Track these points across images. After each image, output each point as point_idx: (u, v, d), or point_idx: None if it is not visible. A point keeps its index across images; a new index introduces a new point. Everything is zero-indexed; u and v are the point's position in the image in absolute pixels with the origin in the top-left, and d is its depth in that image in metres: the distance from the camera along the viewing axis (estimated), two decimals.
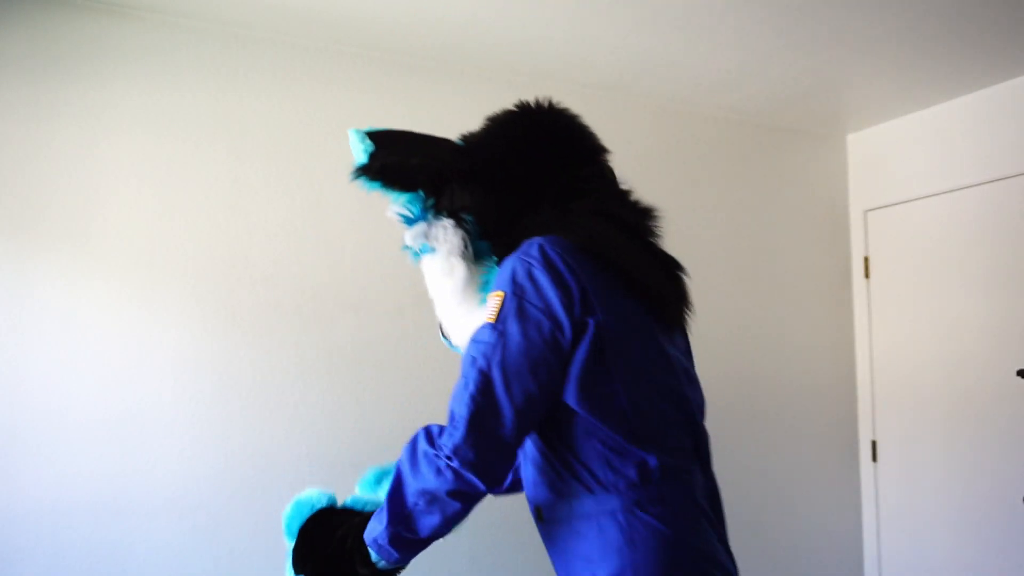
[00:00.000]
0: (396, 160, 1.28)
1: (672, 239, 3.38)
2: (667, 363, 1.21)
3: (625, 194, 1.37)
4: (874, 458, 3.49)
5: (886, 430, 3.45)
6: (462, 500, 1.12)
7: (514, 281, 1.13)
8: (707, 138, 3.28)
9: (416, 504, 1.13)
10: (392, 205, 1.34)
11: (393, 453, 2.71)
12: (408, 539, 1.15)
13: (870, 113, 3.34)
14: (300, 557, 1.21)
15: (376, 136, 1.31)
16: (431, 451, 1.12)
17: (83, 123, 2.24)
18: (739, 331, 3.28)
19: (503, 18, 2.39)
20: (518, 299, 1.11)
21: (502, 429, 1.09)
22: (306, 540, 1.21)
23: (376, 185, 1.30)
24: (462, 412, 1.09)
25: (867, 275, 3.55)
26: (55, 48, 2.22)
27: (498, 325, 1.11)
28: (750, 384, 3.29)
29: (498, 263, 1.25)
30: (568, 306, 1.10)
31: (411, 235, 1.31)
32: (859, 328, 3.58)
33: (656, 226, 1.35)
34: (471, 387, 1.10)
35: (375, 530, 1.17)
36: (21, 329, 2.13)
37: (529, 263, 1.13)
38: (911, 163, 3.34)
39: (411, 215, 1.32)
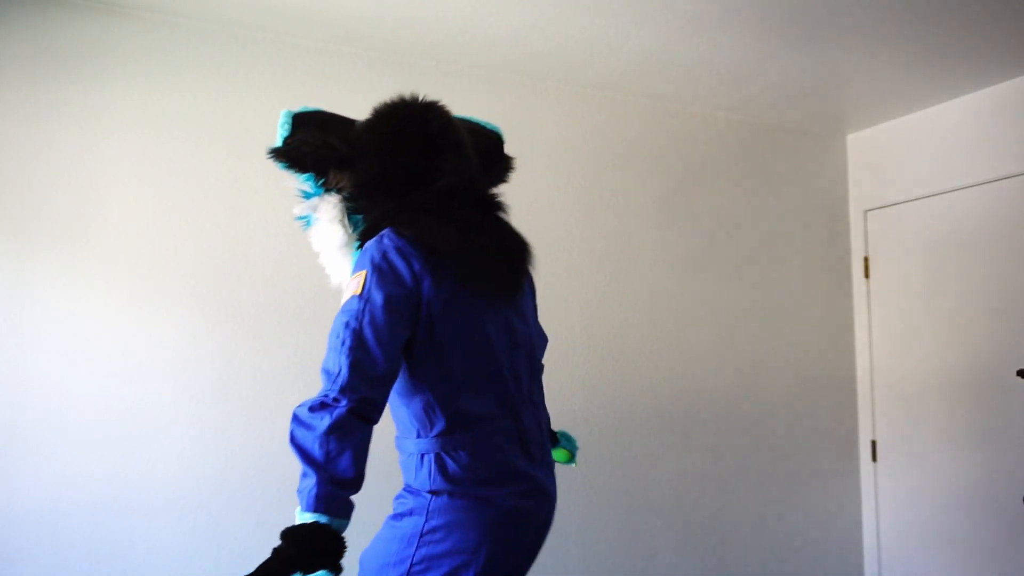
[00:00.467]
0: (295, 146, 1.53)
1: (671, 239, 3.40)
2: (484, 337, 1.47)
3: (468, 187, 1.55)
4: (874, 458, 3.49)
5: (886, 430, 3.45)
6: (360, 419, 1.32)
7: (372, 262, 1.40)
8: (707, 138, 3.28)
9: (327, 452, 1.28)
10: (295, 182, 1.60)
11: (392, 453, 2.72)
12: (339, 483, 1.30)
13: (870, 113, 3.34)
14: None
15: (297, 119, 1.58)
16: (316, 406, 1.31)
17: (83, 123, 2.24)
18: (739, 331, 3.28)
19: (503, 19, 2.39)
20: (378, 274, 1.38)
21: (377, 372, 1.34)
22: None
23: (283, 165, 1.55)
24: (343, 363, 1.32)
25: (867, 275, 3.55)
26: (55, 48, 2.22)
27: (364, 295, 1.37)
28: (750, 384, 3.29)
29: (360, 238, 1.52)
30: (413, 281, 1.40)
31: (300, 207, 1.60)
32: (859, 328, 3.58)
33: (492, 215, 1.59)
34: (348, 343, 1.34)
35: (308, 495, 1.28)
36: (21, 329, 2.13)
37: (384, 248, 1.41)
38: (911, 163, 3.34)
39: (309, 191, 1.59)
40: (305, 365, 2.46)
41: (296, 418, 1.32)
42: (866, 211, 3.56)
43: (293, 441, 1.31)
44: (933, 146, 3.24)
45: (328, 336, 1.38)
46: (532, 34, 2.50)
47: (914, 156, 3.33)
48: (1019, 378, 2.87)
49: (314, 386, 2.44)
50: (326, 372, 1.34)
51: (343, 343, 1.34)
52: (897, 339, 3.40)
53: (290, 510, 2.39)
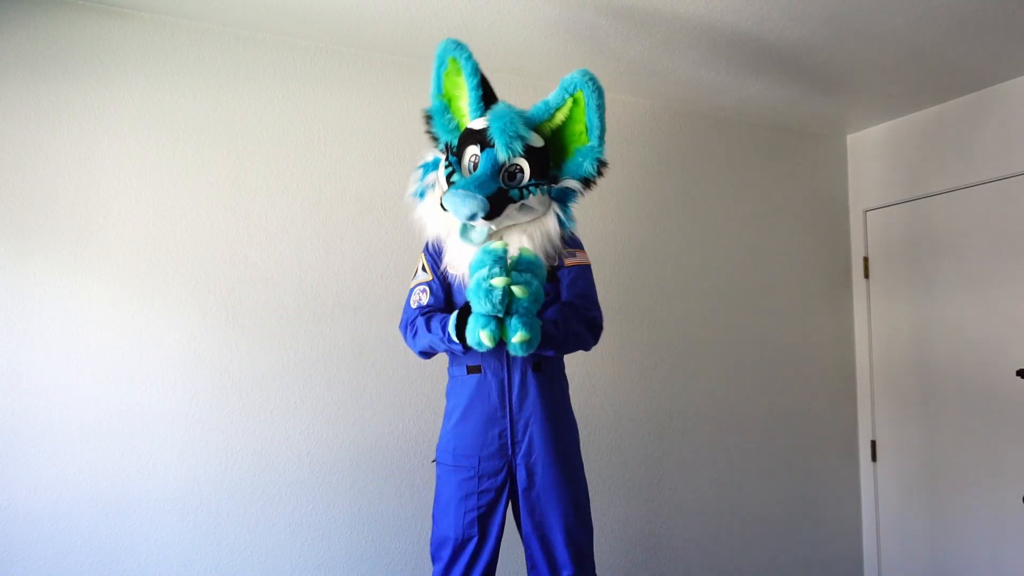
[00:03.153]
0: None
1: (672, 238, 3.40)
2: None
3: None
4: (874, 458, 3.49)
5: (886, 430, 3.45)
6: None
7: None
8: (707, 138, 3.28)
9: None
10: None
11: (392, 453, 2.71)
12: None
13: (870, 113, 3.34)
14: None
15: None
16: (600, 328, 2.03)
17: (83, 123, 2.24)
18: (739, 331, 3.29)
19: (502, 19, 2.39)
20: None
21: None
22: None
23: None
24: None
25: (867, 275, 3.55)
26: (55, 48, 2.22)
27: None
28: (750, 384, 3.29)
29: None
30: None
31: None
32: (859, 328, 3.58)
33: None
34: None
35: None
36: (21, 329, 2.14)
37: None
38: (911, 163, 3.34)
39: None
40: (305, 365, 2.46)
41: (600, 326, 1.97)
42: (866, 211, 3.56)
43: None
44: (933, 146, 3.24)
45: (587, 287, 1.96)
46: (532, 34, 2.50)
47: (914, 156, 3.33)
48: (1019, 378, 2.87)
49: (313, 386, 2.45)
50: (597, 313, 1.96)
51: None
52: (897, 339, 3.40)
53: (288, 510, 2.40)
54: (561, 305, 1.89)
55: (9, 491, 2.09)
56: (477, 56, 2.68)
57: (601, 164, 1.87)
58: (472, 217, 1.72)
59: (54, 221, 2.19)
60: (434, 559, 1.93)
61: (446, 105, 1.97)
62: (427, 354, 1.97)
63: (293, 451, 2.42)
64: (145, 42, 2.33)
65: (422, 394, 2.62)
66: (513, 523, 2.03)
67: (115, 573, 2.19)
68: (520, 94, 2.84)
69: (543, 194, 1.82)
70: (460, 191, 1.71)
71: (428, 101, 1.99)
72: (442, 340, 1.82)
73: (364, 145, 2.60)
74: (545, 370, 1.92)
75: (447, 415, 1.98)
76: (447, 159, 1.88)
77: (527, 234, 1.83)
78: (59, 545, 2.13)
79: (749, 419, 3.27)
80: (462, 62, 1.89)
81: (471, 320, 1.69)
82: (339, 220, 2.55)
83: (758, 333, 3.33)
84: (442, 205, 1.79)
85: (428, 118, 1.99)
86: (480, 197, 1.69)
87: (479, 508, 1.88)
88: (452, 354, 1.91)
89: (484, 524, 1.88)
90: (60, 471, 2.15)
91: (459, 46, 1.89)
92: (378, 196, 2.60)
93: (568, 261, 1.93)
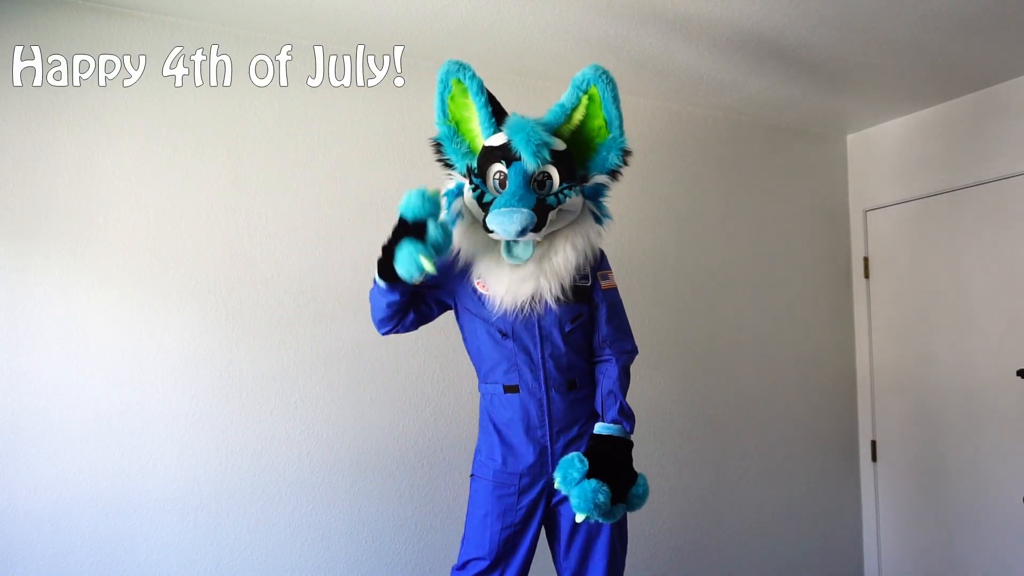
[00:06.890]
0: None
1: (672, 239, 3.39)
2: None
3: None
4: (874, 458, 3.49)
5: (886, 430, 3.45)
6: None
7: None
8: (707, 138, 3.28)
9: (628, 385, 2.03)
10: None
11: (392, 453, 2.71)
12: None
13: (870, 113, 3.34)
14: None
15: None
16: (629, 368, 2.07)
17: (83, 123, 2.24)
18: (739, 331, 3.28)
19: (502, 19, 2.39)
20: None
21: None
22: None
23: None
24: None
25: (867, 275, 3.55)
26: (55, 48, 2.22)
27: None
28: (750, 384, 3.29)
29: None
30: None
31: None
32: (859, 328, 3.58)
33: None
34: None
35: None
36: (21, 329, 2.14)
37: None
38: (911, 163, 3.34)
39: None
40: (305, 365, 2.46)
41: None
42: (866, 211, 3.56)
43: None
44: (933, 146, 3.24)
45: (621, 316, 2.00)
46: (532, 34, 2.50)
47: (914, 156, 3.33)
48: (1019, 378, 2.87)
49: (313, 386, 2.45)
50: (631, 343, 2.03)
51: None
52: (897, 339, 3.40)
53: (288, 510, 2.40)
54: (616, 380, 1.95)
55: (9, 491, 2.09)
56: (477, 57, 2.69)
57: (626, 153, 1.89)
58: (523, 232, 1.72)
59: (54, 221, 2.19)
60: (462, 570, 1.91)
61: (454, 129, 1.97)
62: (385, 322, 1.91)
63: (293, 451, 2.42)
64: (145, 42, 2.33)
65: (422, 394, 2.62)
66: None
67: (115, 573, 2.19)
68: (520, 94, 2.84)
69: (577, 195, 1.84)
70: (504, 209, 1.71)
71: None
72: (377, 290, 1.83)
73: (364, 145, 2.60)
74: (580, 387, 1.93)
75: (484, 431, 1.96)
76: (471, 182, 1.87)
77: (570, 243, 1.84)
78: (59, 545, 2.13)
79: (749, 419, 3.27)
80: (467, 82, 1.90)
81: (404, 247, 1.72)
82: (339, 220, 2.55)
83: (758, 333, 3.33)
84: (486, 227, 1.78)
85: (438, 146, 1.99)
86: (526, 211, 1.70)
87: (516, 525, 1.88)
88: (388, 306, 1.86)
89: (517, 539, 1.88)
90: (60, 471, 2.15)
91: (462, 67, 1.91)
92: (378, 196, 2.60)
93: (604, 284, 1.95)
